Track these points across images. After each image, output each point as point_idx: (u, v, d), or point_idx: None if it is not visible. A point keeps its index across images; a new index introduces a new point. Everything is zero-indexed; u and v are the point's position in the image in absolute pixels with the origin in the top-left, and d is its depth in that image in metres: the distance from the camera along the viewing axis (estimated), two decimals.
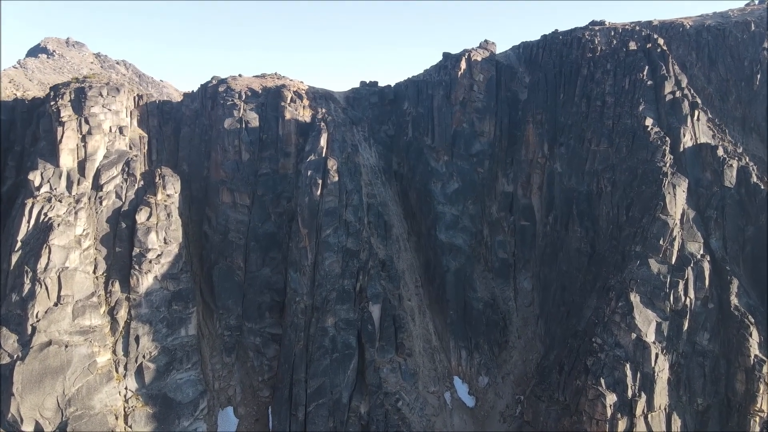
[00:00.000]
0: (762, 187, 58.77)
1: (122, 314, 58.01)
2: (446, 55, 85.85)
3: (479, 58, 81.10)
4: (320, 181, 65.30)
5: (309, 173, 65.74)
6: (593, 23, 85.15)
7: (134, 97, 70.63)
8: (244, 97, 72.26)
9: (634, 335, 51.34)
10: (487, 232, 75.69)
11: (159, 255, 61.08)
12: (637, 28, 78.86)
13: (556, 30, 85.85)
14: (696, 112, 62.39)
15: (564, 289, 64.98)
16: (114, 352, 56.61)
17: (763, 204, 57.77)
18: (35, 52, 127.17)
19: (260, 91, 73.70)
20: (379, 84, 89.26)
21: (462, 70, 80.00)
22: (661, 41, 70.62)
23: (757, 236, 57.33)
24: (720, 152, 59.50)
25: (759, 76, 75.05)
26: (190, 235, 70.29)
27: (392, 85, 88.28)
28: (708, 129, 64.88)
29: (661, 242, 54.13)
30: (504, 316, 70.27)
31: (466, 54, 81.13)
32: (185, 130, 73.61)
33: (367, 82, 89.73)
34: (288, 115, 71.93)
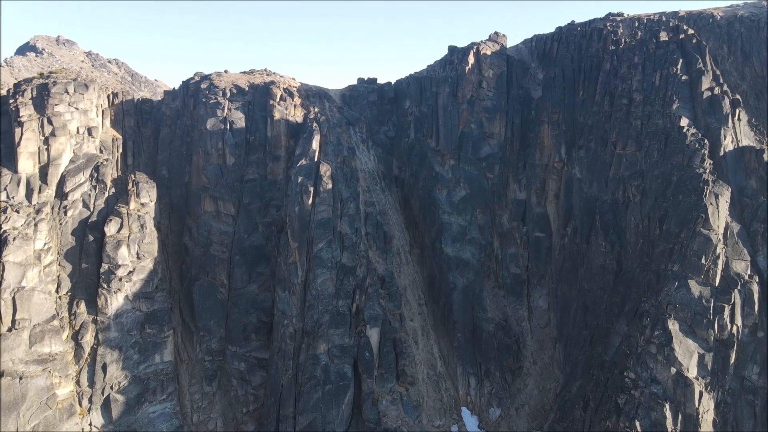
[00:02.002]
0: None
1: (88, 339, 52.34)
2: (452, 49, 78.87)
3: (489, 52, 74.05)
4: (312, 189, 58.40)
5: (299, 180, 58.83)
6: (611, 14, 78.20)
7: (108, 95, 64.06)
8: (228, 94, 65.43)
9: (673, 370, 44.17)
10: (498, 245, 68.65)
11: (131, 272, 55.01)
12: (664, 18, 71.73)
13: (573, 21, 78.84)
14: (737, 111, 55.12)
15: (586, 310, 57.80)
16: (77, 382, 51.17)
17: None
18: (24, 50, 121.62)
19: (247, 89, 66.82)
20: (379, 81, 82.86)
21: (470, 66, 73.10)
22: (691, 32, 63.32)
23: None
24: (766, 156, 52.18)
25: None
26: (169, 247, 63.77)
27: (393, 82, 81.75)
28: (749, 130, 57.64)
29: (702, 261, 46.89)
30: (517, 339, 63.12)
31: (475, 47, 74.17)
32: (165, 131, 66.99)
33: (366, 78, 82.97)
34: (277, 115, 65.10)
